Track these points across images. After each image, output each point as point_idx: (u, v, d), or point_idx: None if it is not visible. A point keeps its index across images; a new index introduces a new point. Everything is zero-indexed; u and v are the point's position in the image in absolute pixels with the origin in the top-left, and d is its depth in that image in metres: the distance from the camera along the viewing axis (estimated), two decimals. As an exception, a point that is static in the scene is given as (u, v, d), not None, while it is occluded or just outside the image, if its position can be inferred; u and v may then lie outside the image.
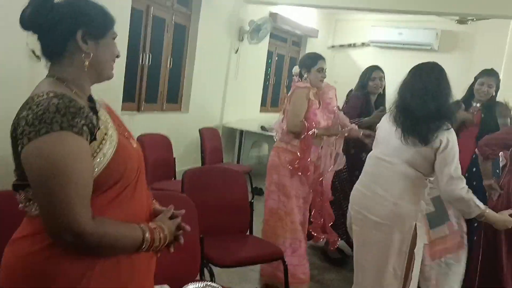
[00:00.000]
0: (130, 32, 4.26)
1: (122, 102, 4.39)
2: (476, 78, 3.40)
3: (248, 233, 2.91)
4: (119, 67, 4.11)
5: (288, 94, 3.13)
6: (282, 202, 3.01)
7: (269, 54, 7.16)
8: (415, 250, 2.10)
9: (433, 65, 2.19)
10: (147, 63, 4.73)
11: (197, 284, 1.96)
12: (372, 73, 3.58)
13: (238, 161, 6.26)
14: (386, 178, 2.11)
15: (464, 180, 2.05)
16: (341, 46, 8.50)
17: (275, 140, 3.26)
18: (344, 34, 8.48)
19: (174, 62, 5.18)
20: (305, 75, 3.04)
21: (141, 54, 4.66)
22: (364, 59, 7.40)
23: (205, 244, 2.41)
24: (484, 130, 3.29)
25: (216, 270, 2.88)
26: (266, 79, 7.31)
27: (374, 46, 8.06)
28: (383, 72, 3.63)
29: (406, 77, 2.19)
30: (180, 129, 5.18)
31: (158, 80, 5.04)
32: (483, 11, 5.43)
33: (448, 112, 2.08)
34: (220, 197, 2.76)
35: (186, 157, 4.94)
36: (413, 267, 2.12)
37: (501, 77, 7.24)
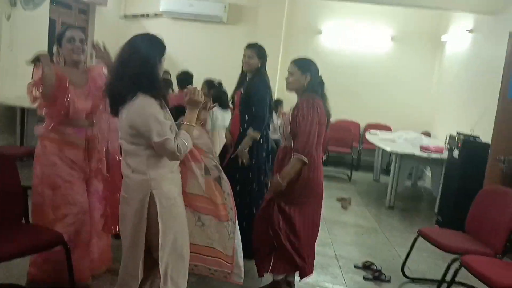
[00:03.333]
0: None
1: None
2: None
3: (23, 221, 2.63)
4: None
5: None
6: (48, 196, 2.62)
7: (52, 22, 6.47)
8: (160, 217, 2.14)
9: (141, 37, 2.16)
10: None
11: None
12: None
13: (22, 143, 5.60)
14: (123, 155, 2.20)
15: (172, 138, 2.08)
16: (134, 16, 8.21)
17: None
18: (136, 3, 8.19)
19: None
20: (60, 52, 2.66)
21: None
22: (158, 30, 7.28)
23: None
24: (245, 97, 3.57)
25: None
26: (50, 50, 6.61)
27: (167, 17, 8.00)
28: None
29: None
30: None
31: None
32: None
33: (146, 86, 2.07)
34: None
35: None
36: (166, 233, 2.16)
37: (280, 47, 8.00)
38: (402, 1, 6.57)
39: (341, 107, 7.90)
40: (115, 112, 2.15)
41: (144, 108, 2.03)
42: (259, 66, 3.55)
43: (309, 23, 8.07)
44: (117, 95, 2.10)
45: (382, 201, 5.84)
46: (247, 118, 3.52)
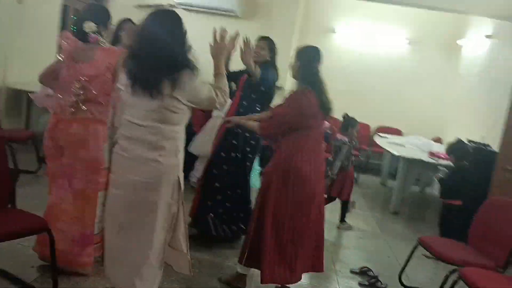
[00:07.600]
0: None
1: None
2: None
3: (10, 206, 2.58)
4: None
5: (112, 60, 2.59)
6: (91, 181, 2.61)
7: (66, 9, 6.47)
8: (179, 202, 2.17)
9: (167, 11, 2.16)
10: None
11: None
12: (124, 25, 3.40)
13: (27, 127, 5.60)
14: (143, 140, 2.06)
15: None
16: (149, 6, 8.16)
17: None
18: (150, -7, 8.15)
19: None
20: (104, 33, 2.67)
21: None
22: (171, 21, 7.23)
23: None
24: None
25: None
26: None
27: (181, 9, 7.93)
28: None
29: (141, 23, 2.08)
30: None
31: None
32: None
33: (188, 61, 2.06)
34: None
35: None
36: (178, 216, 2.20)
37: (292, 44, 7.84)
38: (418, 2, 6.40)
39: (351, 108, 7.69)
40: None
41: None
42: (268, 58, 3.57)
43: (323, 21, 7.94)
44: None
45: (387, 206, 5.71)
46: (245, 103, 3.55)
